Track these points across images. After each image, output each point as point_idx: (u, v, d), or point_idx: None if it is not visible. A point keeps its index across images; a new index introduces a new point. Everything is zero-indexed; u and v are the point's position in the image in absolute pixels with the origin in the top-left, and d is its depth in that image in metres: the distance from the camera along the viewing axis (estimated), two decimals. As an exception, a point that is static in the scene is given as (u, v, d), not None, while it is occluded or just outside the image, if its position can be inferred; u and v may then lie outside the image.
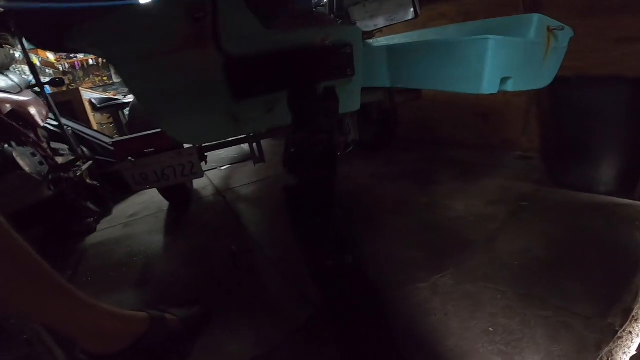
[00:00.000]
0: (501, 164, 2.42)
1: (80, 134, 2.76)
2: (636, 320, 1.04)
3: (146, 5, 1.03)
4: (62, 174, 1.92)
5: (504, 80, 1.28)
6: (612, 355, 0.94)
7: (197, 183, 2.94)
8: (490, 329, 1.08)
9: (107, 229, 2.31)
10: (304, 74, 1.11)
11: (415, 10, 2.87)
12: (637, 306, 1.08)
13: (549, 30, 1.40)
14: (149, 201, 2.67)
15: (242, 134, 1.45)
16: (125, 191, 2.79)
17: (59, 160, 2.06)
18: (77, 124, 2.95)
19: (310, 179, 0.78)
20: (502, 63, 1.22)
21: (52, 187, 1.85)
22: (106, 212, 2.52)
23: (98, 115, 4.26)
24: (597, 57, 1.97)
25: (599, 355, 0.95)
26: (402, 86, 1.59)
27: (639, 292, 1.14)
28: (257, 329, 1.20)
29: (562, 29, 1.42)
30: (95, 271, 1.79)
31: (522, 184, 2.05)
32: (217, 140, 1.80)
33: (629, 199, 1.77)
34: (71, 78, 7.72)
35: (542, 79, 1.49)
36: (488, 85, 1.23)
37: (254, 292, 1.40)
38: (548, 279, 1.26)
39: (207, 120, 1.12)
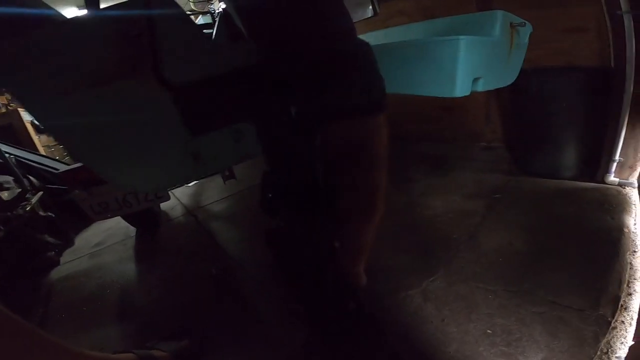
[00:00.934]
0: (469, 156, 2.46)
1: (26, 161, 2.50)
2: (625, 309, 1.06)
3: (60, 25, 0.73)
4: (9, 213, 1.73)
5: (474, 80, 1.27)
6: (611, 346, 0.95)
7: (165, 203, 2.78)
8: (489, 330, 1.06)
9: (72, 261, 2.12)
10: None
11: (373, 8, 2.86)
12: (624, 294, 1.11)
13: (512, 26, 1.41)
14: (115, 227, 2.48)
15: (207, 174, 1.07)
16: (87, 219, 2.58)
17: (4, 195, 1.85)
18: (21, 150, 2.68)
19: (298, 223, 0.66)
20: (473, 64, 1.20)
21: (0, 227, 1.67)
22: (68, 243, 2.32)
23: (44, 137, 3.94)
24: (550, 47, 2.03)
25: (598, 347, 0.95)
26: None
27: (622, 280, 1.17)
28: (252, 357, 1.13)
29: (524, 25, 1.43)
30: (68, 307, 1.64)
31: (493, 176, 2.08)
32: (177, 185, 1.48)
33: (593, 182, 1.84)
34: (9, 98, 7.11)
35: (507, 76, 1.51)
36: (461, 88, 1.21)
37: (242, 317, 1.31)
38: (534, 272, 1.27)
39: (159, 164, 0.87)
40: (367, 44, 0.43)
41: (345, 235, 0.52)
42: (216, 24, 1.23)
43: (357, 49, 0.42)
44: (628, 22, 1.64)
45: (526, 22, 1.45)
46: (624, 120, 1.75)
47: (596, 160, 1.90)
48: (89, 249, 2.24)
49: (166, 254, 1.95)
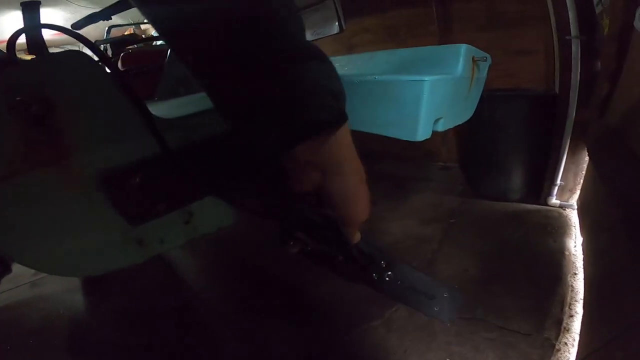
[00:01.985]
0: (427, 176, 2.55)
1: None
2: (567, 330, 1.15)
3: None
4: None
5: (435, 121, 1.22)
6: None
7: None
8: (448, 359, 1.12)
9: (10, 290, 1.95)
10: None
11: (340, 24, 2.90)
12: (566, 316, 1.20)
13: (474, 61, 1.40)
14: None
15: (153, 255, 0.86)
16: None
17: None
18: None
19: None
20: (436, 105, 1.16)
21: None
22: (4, 270, 2.12)
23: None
24: (500, 68, 2.05)
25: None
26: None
27: (564, 302, 1.27)
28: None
29: (485, 59, 1.42)
30: (11, 339, 1.51)
31: (449, 198, 2.18)
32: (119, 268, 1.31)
33: (536, 204, 1.97)
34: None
35: (466, 112, 1.51)
36: (423, 131, 1.16)
37: (210, 356, 1.29)
38: (486, 298, 1.34)
39: (100, 253, 0.74)
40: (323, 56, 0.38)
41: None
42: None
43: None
44: (575, 48, 1.69)
45: (487, 55, 1.45)
46: (565, 146, 1.85)
47: (540, 184, 2.02)
48: (29, 277, 2.07)
49: (118, 284, 1.85)
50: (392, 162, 2.84)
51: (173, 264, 1.97)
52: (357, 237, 0.53)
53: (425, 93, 1.09)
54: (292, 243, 0.54)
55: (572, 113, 1.78)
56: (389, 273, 0.58)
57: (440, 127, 1.22)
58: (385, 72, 1.56)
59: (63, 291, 1.83)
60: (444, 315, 0.58)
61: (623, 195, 1.12)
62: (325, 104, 0.36)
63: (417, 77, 1.10)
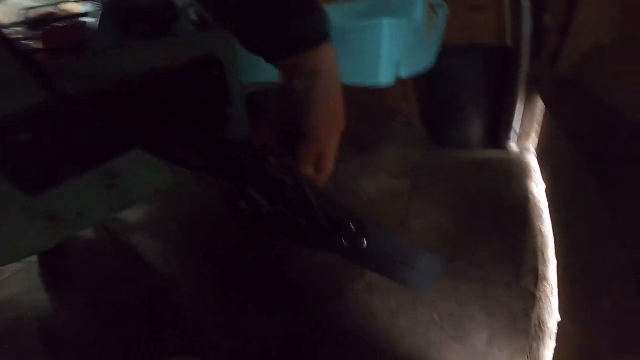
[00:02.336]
0: (390, 132, 2.49)
1: None
2: (544, 279, 1.15)
3: None
4: None
5: (397, 66, 1.20)
6: (541, 318, 1.02)
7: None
8: (435, 316, 1.08)
9: None
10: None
11: None
12: (541, 264, 1.20)
13: (431, 8, 1.36)
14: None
15: (75, 232, 0.73)
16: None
17: None
18: None
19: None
20: (396, 48, 1.14)
21: None
22: None
23: None
24: (456, 24, 2.07)
25: (531, 321, 1.02)
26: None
27: (536, 249, 1.26)
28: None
29: (442, 6, 1.41)
30: None
31: (413, 151, 2.14)
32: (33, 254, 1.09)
33: (498, 149, 1.97)
34: None
35: (427, 59, 1.49)
36: (385, 75, 1.15)
37: (187, 343, 1.17)
38: (463, 250, 1.32)
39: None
40: None
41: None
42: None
43: None
44: (525, 2, 1.72)
45: (444, 3, 1.45)
46: (520, 95, 1.89)
47: (498, 132, 2.06)
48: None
49: (83, 277, 1.66)
50: (354, 124, 2.72)
51: (137, 249, 1.78)
52: (330, 167, 0.54)
53: (385, 36, 1.07)
54: (241, 201, 0.47)
55: (525, 64, 1.82)
56: (361, 239, 0.51)
57: (403, 73, 1.21)
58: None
59: (25, 292, 1.61)
60: (423, 285, 0.53)
61: (583, 138, 1.11)
62: (314, 22, 0.43)
63: (376, 21, 1.07)
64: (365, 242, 0.49)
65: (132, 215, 2.09)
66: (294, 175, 0.44)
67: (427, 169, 1.91)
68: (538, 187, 1.66)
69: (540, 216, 1.47)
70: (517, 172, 1.77)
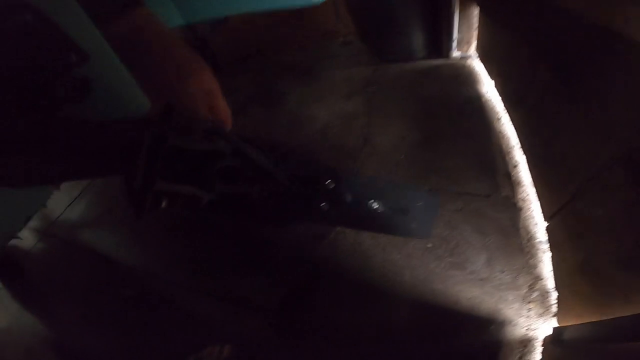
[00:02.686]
0: (330, 55, 2.23)
1: None
2: (518, 183, 1.11)
3: None
4: None
5: None
6: (528, 230, 0.99)
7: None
8: (429, 244, 1.01)
9: None
10: None
11: None
12: (510, 167, 1.16)
13: None
14: None
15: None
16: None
17: None
18: None
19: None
20: None
21: None
22: None
23: None
24: None
25: (520, 234, 0.98)
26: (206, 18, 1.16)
27: (503, 152, 1.22)
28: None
29: None
30: None
31: (359, 70, 1.94)
32: None
33: (442, 58, 1.85)
34: None
35: None
36: None
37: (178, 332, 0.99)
38: (433, 163, 1.24)
39: None
40: None
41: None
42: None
43: None
44: None
45: None
46: (456, 3, 1.74)
47: (440, 40, 1.94)
48: None
49: (43, 287, 1.32)
50: (292, 54, 2.40)
51: (91, 247, 1.46)
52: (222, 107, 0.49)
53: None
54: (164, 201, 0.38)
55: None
56: (342, 194, 0.43)
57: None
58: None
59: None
60: (423, 231, 0.48)
61: (526, 30, 1.13)
62: None
63: None
64: (347, 197, 0.43)
65: (72, 214, 1.66)
66: (227, 140, 0.38)
67: (378, 86, 1.74)
68: (488, 90, 1.59)
69: (498, 118, 1.41)
70: (465, 78, 1.70)
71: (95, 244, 1.47)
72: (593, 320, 0.77)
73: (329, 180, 0.42)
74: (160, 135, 0.37)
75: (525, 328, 0.85)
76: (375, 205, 0.44)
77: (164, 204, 0.38)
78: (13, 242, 1.64)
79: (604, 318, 0.74)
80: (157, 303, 1.15)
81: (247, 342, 0.98)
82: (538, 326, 0.85)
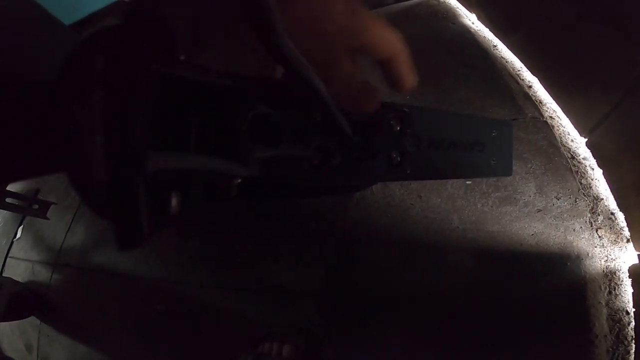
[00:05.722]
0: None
1: None
2: (541, 102, 0.85)
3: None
4: None
5: None
6: (567, 146, 0.72)
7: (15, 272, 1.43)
8: (467, 182, 0.71)
9: None
10: None
11: None
12: (528, 89, 0.86)
13: None
14: None
15: None
16: None
17: None
18: None
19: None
20: None
21: None
22: None
23: None
24: None
25: (561, 153, 0.71)
26: None
27: (513, 75, 0.94)
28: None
29: None
30: None
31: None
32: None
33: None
34: None
35: None
36: None
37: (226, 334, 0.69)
38: (446, 99, 0.96)
39: None
40: None
41: None
42: None
43: None
44: None
45: None
46: None
47: None
48: None
49: (89, 320, 0.98)
50: None
51: (116, 270, 1.08)
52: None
53: None
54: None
55: None
56: (413, 137, 0.23)
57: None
58: None
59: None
60: (504, 167, 0.28)
61: None
62: None
63: None
64: (422, 138, 0.23)
65: (73, 240, 1.26)
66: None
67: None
68: (473, 22, 1.26)
69: (495, 46, 1.10)
70: (444, 14, 1.38)
71: (110, 264, 1.12)
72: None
73: (392, 121, 0.22)
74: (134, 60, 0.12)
75: (604, 259, 0.59)
76: (452, 144, 0.25)
77: (174, 204, 0.15)
78: (30, 277, 1.26)
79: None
80: (194, 310, 0.85)
81: (302, 332, 0.69)
82: (617, 255, 0.60)
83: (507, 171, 0.29)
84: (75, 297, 1.22)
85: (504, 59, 1.07)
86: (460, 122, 0.26)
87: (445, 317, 0.64)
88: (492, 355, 0.61)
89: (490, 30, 1.20)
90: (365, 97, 0.20)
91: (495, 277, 0.63)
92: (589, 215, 0.63)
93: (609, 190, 0.67)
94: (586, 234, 0.61)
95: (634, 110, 0.59)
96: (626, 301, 0.61)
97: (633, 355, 0.57)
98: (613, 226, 0.63)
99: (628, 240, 0.62)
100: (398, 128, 0.22)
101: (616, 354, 0.57)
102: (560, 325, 0.58)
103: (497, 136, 0.27)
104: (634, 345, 0.58)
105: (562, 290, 0.58)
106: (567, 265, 0.59)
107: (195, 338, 0.86)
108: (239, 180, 0.17)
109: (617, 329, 0.59)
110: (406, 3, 1.55)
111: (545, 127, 0.79)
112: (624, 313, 0.60)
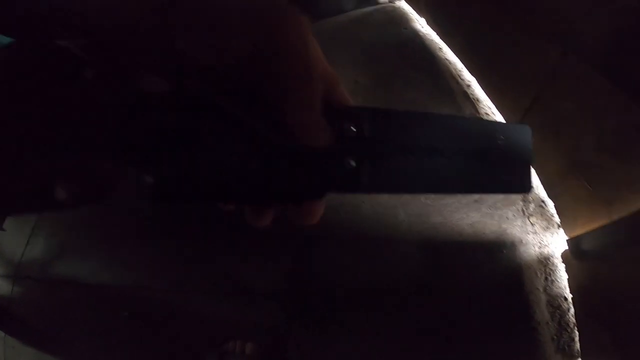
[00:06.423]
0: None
1: None
2: (478, 100, 0.86)
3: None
4: None
5: None
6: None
7: None
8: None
9: None
10: None
11: None
12: (467, 89, 0.87)
13: None
14: None
15: None
16: None
17: None
18: None
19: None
20: None
21: None
22: None
23: None
24: None
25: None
26: None
27: (454, 76, 0.94)
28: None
29: None
30: None
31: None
32: None
33: (371, 5, 1.53)
34: None
35: None
36: None
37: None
38: (395, 99, 0.95)
39: None
40: None
41: None
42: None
43: None
44: None
45: None
46: None
47: None
48: None
49: (54, 331, 0.90)
50: None
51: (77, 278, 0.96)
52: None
53: None
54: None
55: None
56: (378, 142, 0.18)
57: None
58: None
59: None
60: (518, 183, 0.20)
61: None
62: None
63: None
64: (388, 143, 0.18)
65: (33, 251, 1.13)
66: None
67: (316, 36, 1.34)
68: (422, 26, 1.28)
69: (440, 48, 1.11)
70: (398, 20, 1.41)
71: (72, 274, 1.01)
72: (603, 224, 0.52)
73: (353, 123, 0.18)
74: None
75: (538, 246, 0.59)
76: (436, 152, 0.19)
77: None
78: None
79: (614, 218, 0.50)
80: (158, 314, 0.78)
81: (265, 330, 0.65)
82: (549, 241, 0.60)
83: (523, 187, 0.22)
84: (38, 309, 1.10)
85: (448, 60, 1.09)
86: (449, 126, 0.21)
87: (398, 309, 0.62)
88: (443, 345, 0.59)
89: (437, 33, 1.23)
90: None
91: (441, 268, 0.61)
92: (521, 203, 0.64)
93: (538, 179, 0.68)
94: (519, 222, 0.61)
95: (549, 102, 0.60)
96: (563, 287, 0.61)
97: (578, 343, 0.57)
98: (544, 213, 0.64)
99: (559, 226, 0.63)
100: (360, 131, 0.18)
101: (561, 342, 0.57)
102: (504, 313, 0.58)
103: (508, 143, 0.22)
104: (577, 332, 0.58)
105: (502, 278, 0.58)
106: (503, 253, 0.59)
107: (160, 341, 0.80)
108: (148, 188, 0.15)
109: (558, 316, 0.59)
110: (364, 10, 1.56)
111: (491, 125, 0.79)
112: (562, 299, 0.60)
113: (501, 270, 0.59)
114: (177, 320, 0.80)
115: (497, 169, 0.20)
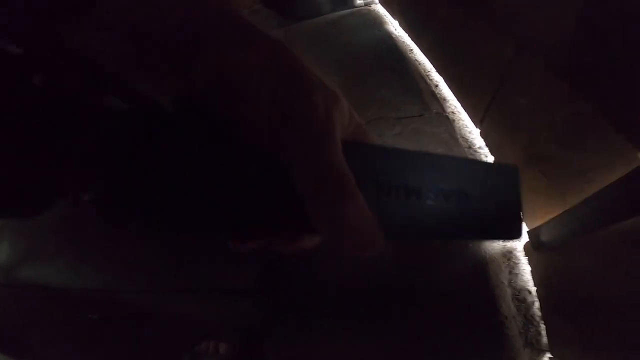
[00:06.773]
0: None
1: None
2: (445, 99, 0.86)
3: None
4: None
5: None
6: (465, 137, 0.71)
7: None
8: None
9: None
10: None
11: None
12: (432, 86, 0.88)
13: None
14: None
15: None
16: None
17: None
18: None
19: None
20: None
21: None
22: None
23: None
24: None
25: (459, 144, 0.71)
26: None
27: (423, 76, 0.94)
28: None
29: None
30: None
31: (271, 32, 1.47)
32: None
33: (347, 8, 1.53)
34: None
35: None
36: None
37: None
38: (368, 98, 0.93)
39: None
40: None
41: None
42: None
43: None
44: None
45: None
46: None
47: None
48: None
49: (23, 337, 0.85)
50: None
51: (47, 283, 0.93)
52: None
53: None
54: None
55: None
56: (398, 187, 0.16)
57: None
58: None
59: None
60: (507, 228, 0.19)
61: None
62: None
63: None
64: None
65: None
66: None
67: (293, 41, 1.34)
68: (396, 29, 1.28)
69: (411, 50, 1.11)
70: (372, 22, 1.42)
71: (40, 279, 0.97)
72: (561, 212, 0.52)
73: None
74: None
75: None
76: (422, 195, 0.17)
77: None
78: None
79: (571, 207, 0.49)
80: (131, 316, 0.75)
81: (240, 331, 0.63)
82: (510, 234, 0.59)
83: (512, 234, 0.19)
84: (7, 314, 1.06)
85: (417, 61, 1.09)
86: (424, 164, 0.18)
87: (371, 305, 0.60)
88: (413, 342, 0.58)
89: (408, 35, 1.23)
90: None
91: (411, 263, 0.60)
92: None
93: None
94: (481, 217, 0.60)
95: (506, 98, 0.59)
96: (526, 280, 0.60)
97: (545, 337, 0.56)
98: (505, 207, 0.63)
99: (520, 219, 0.62)
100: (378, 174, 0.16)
101: (529, 336, 0.56)
102: (471, 308, 0.57)
103: (495, 186, 0.19)
104: (543, 325, 0.56)
105: (468, 272, 0.56)
106: (470, 247, 0.57)
107: (132, 344, 0.76)
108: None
109: (524, 309, 0.58)
110: (340, 12, 1.56)
111: (447, 122, 0.79)
112: (527, 292, 0.59)
113: (468, 264, 0.58)
114: (150, 321, 0.77)
115: (485, 216, 0.18)
